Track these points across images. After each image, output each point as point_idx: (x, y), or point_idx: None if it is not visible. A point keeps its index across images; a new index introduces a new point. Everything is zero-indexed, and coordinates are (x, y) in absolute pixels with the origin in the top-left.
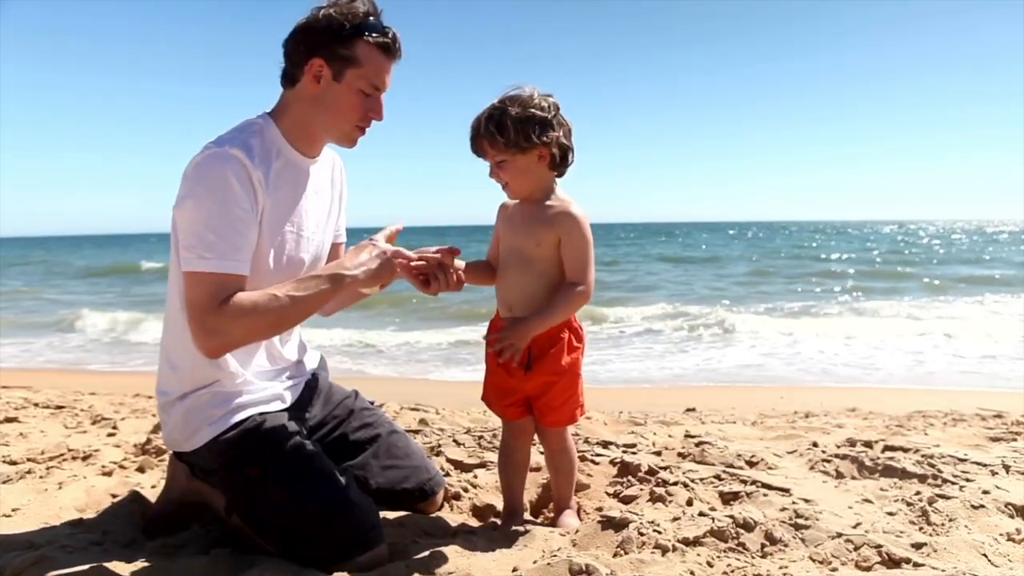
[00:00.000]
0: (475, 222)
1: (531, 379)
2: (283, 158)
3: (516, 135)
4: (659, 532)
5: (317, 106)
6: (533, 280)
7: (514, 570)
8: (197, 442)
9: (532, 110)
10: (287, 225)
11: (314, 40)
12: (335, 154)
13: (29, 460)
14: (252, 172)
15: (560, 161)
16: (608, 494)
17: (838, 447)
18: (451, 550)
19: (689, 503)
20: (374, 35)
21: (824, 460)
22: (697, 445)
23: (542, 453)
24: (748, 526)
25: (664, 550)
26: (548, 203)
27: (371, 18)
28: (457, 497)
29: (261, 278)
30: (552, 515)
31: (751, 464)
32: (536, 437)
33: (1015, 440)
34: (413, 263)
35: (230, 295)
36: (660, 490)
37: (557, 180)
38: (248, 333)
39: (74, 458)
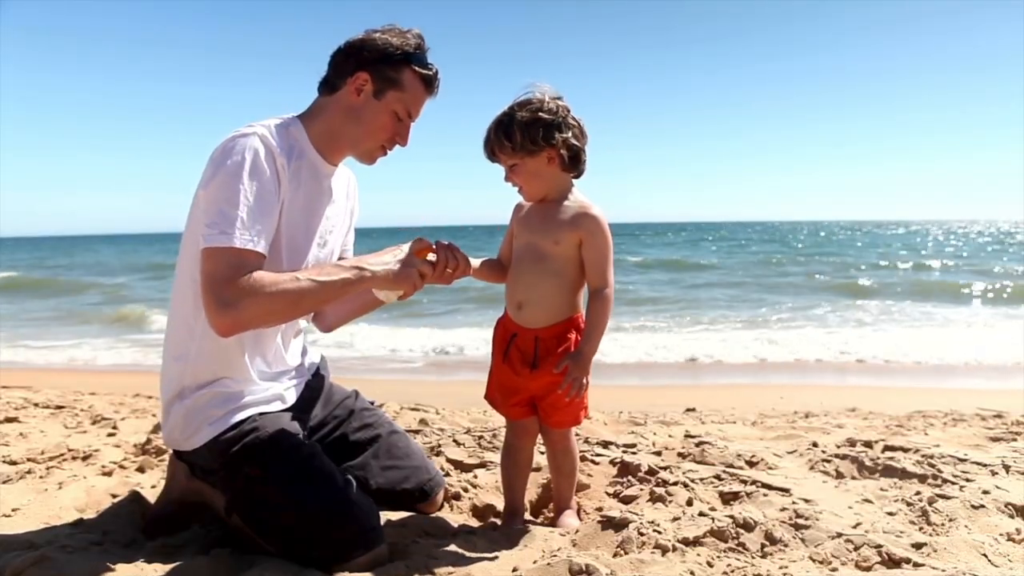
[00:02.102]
0: (484, 222)
1: (537, 378)
2: (306, 158)
3: (523, 139)
4: (659, 532)
5: (351, 117)
6: (547, 278)
7: (514, 570)
8: (197, 442)
9: (540, 114)
10: (301, 224)
11: (366, 56)
12: (350, 171)
13: (29, 460)
14: (277, 157)
15: (571, 162)
16: (608, 494)
17: (838, 447)
18: (451, 550)
19: (689, 503)
20: (421, 67)
21: (824, 460)
22: (697, 445)
23: (543, 453)
24: (748, 526)
25: (664, 550)
26: (567, 203)
27: (420, 52)
28: (457, 497)
29: (269, 269)
30: (552, 515)
31: (751, 464)
32: (539, 436)
33: (1015, 440)
34: (435, 270)
35: (249, 271)
36: (660, 490)
37: (574, 181)
38: (263, 312)
39: (74, 458)
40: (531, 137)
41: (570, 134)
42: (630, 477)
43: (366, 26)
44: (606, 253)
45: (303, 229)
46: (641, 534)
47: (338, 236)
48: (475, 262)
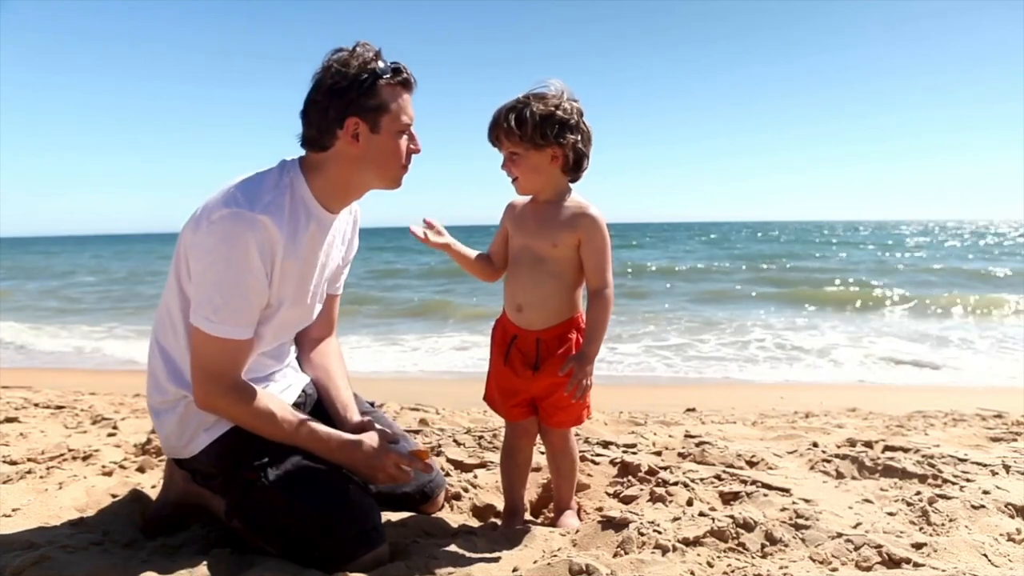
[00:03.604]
0: (480, 222)
1: (539, 380)
2: (312, 219)
3: (533, 131)
4: (659, 532)
5: (361, 164)
6: (545, 280)
7: (514, 570)
8: (194, 448)
9: (555, 110)
10: (300, 282)
11: (340, 101)
12: (354, 204)
13: (29, 460)
14: (276, 239)
15: (574, 166)
16: (608, 494)
17: (838, 447)
18: (451, 550)
19: (689, 503)
20: (390, 75)
21: (824, 460)
22: (697, 445)
23: (543, 453)
24: (748, 526)
25: (664, 550)
26: (565, 205)
27: (380, 61)
28: (457, 497)
29: (264, 324)
30: (552, 515)
31: (751, 464)
32: (538, 437)
33: (1015, 440)
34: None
35: (235, 360)
36: (660, 490)
37: (572, 186)
38: (236, 419)
39: (74, 458)
40: (542, 131)
41: (579, 137)
42: (630, 477)
43: (368, 27)
44: (604, 253)
45: (303, 286)
46: (641, 534)
47: (334, 281)
48: (470, 252)
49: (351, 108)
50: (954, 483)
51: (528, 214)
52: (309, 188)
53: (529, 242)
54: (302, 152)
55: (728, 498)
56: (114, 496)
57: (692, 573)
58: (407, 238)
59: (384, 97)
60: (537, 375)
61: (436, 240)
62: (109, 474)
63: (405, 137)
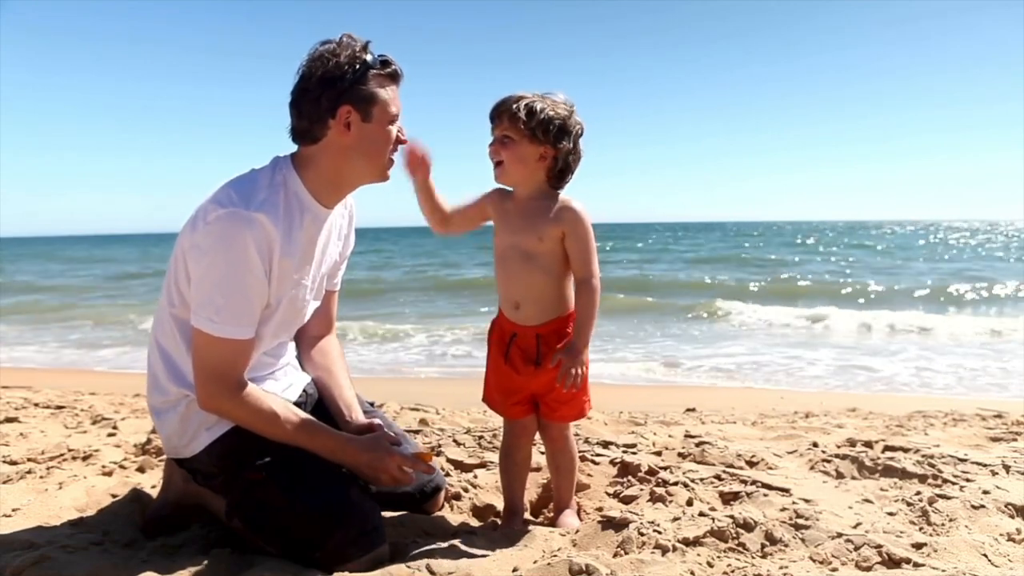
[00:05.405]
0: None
1: (540, 376)
2: (308, 214)
3: (537, 124)
4: (659, 532)
5: (352, 154)
6: (538, 276)
7: (514, 570)
8: (196, 448)
9: (564, 116)
10: (297, 279)
11: (333, 90)
12: (349, 199)
13: (29, 460)
14: (273, 237)
15: (557, 174)
16: (608, 494)
17: (838, 447)
18: (451, 550)
19: (689, 503)
20: (382, 67)
21: (824, 460)
22: (697, 445)
23: (542, 453)
24: (748, 526)
25: (664, 550)
26: (547, 200)
27: (371, 52)
28: (457, 497)
29: (263, 325)
30: (552, 515)
31: (751, 464)
32: (537, 436)
33: (1015, 440)
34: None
35: (236, 360)
36: (660, 490)
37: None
38: (239, 420)
39: (74, 458)
40: (544, 127)
41: (573, 149)
42: (630, 477)
43: (368, 26)
44: (588, 244)
45: (301, 283)
46: (641, 534)
47: (331, 277)
48: (444, 204)
49: (344, 97)
50: (954, 483)
51: (512, 211)
52: (302, 183)
53: (516, 239)
54: (295, 149)
55: (728, 498)
56: (114, 496)
57: (692, 573)
58: (408, 238)
59: (375, 87)
60: (539, 371)
61: (421, 170)
62: (109, 474)
63: (393, 127)
